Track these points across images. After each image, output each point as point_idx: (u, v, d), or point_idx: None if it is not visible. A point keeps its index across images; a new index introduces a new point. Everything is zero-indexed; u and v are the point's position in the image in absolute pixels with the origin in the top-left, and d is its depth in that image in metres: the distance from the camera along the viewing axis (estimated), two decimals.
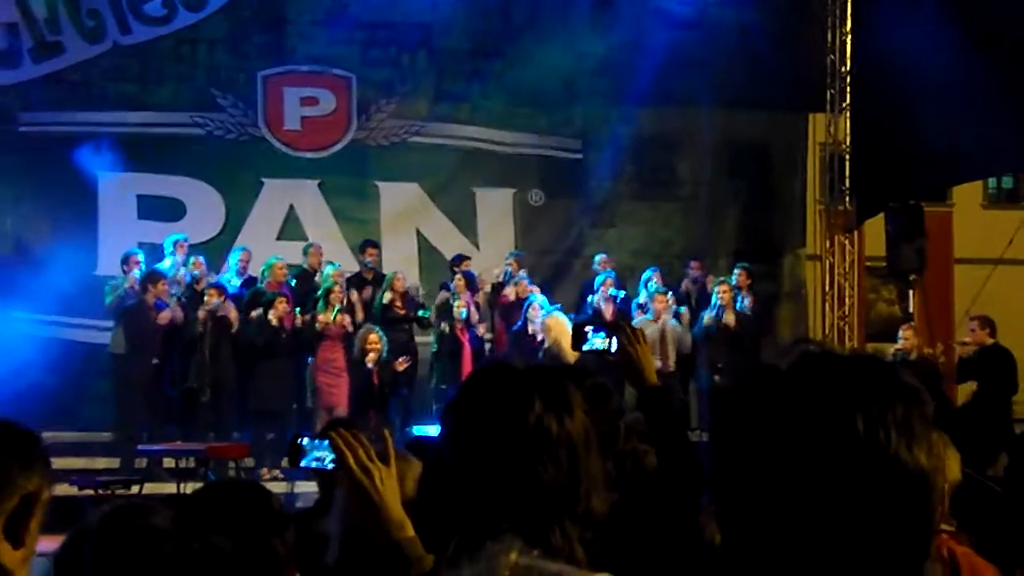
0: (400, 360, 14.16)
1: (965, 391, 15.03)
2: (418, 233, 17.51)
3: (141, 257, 14.81)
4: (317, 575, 3.35)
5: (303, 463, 2.77)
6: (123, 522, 2.48)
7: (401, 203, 17.49)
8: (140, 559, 2.39)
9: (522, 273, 15.88)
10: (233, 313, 14.33)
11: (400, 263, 16.51)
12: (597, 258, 16.55)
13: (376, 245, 16.23)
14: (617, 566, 2.14)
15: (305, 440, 2.79)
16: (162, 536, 2.47)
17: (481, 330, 15.33)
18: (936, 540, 3.00)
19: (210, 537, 2.52)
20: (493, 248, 17.35)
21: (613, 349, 4.01)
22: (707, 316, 15.45)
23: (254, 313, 14.36)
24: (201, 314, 14.15)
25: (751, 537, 1.45)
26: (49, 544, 2.44)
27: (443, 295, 15.41)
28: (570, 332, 4.28)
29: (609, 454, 3.62)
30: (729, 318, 15.26)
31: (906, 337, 15.37)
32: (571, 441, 2.14)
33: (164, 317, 14.08)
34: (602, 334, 4.09)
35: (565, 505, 2.08)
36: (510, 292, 15.60)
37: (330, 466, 2.68)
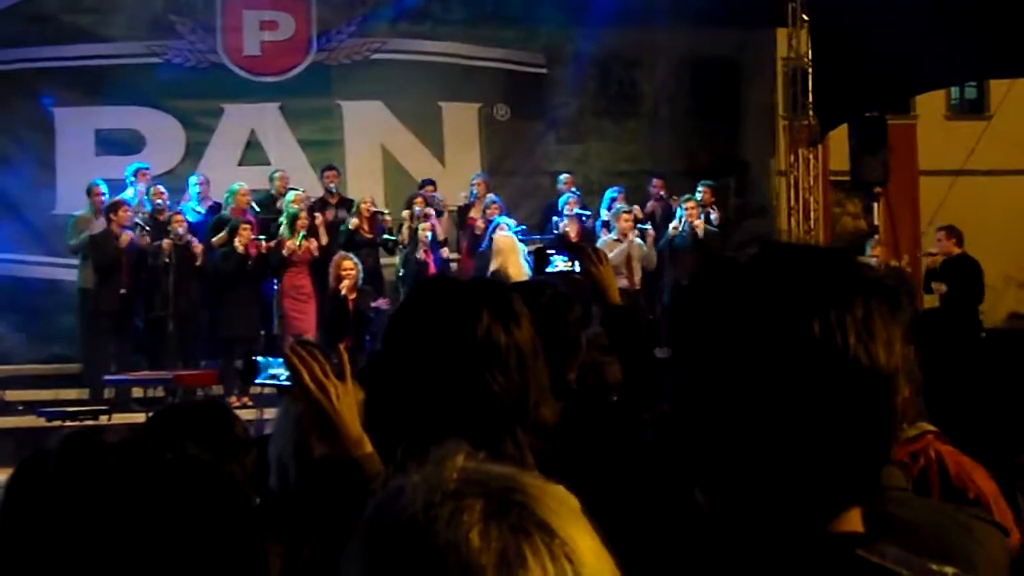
0: (380, 301, 14.13)
1: (931, 301, 15.12)
2: (383, 150, 17.38)
3: (104, 188, 14.69)
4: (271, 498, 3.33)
5: (258, 380, 2.75)
6: (87, 441, 2.44)
7: (365, 121, 17.31)
8: (107, 473, 2.33)
9: (493, 196, 15.78)
10: (198, 247, 14.22)
11: (366, 182, 16.43)
12: (561, 178, 16.47)
13: (335, 168, 16.03)
14: (569, 476, 2.15)
15: (260, 358, 2.77)
16: (128, 449, 2.42)
17: (446, 252, 15.27)
18: (921, 441, 3.02)
19: (185, 446, 2.47)
20: (460, 164, 17.24)
21: (577, 269, 4.03)
22: (672, 227, 15.41)
23: (216, 240, 14.28)
24: (166, 243, 14.04)
25: (707, 440, 1.42)
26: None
27: (406, 216, 15.27)
28: (520, 252, 4.30)
29: (571, 363, 3.62)
30: (699, 227, 15.22)
31: (875, 254, 15.33)
32: (520, 351, 2.14)
33: (124, 238, 13.94)
34: (564, 256, 4.09)
35: (516, 414, 2.09)
36: (476, 215, 15.53)
37: (285, 383, 2.66)
